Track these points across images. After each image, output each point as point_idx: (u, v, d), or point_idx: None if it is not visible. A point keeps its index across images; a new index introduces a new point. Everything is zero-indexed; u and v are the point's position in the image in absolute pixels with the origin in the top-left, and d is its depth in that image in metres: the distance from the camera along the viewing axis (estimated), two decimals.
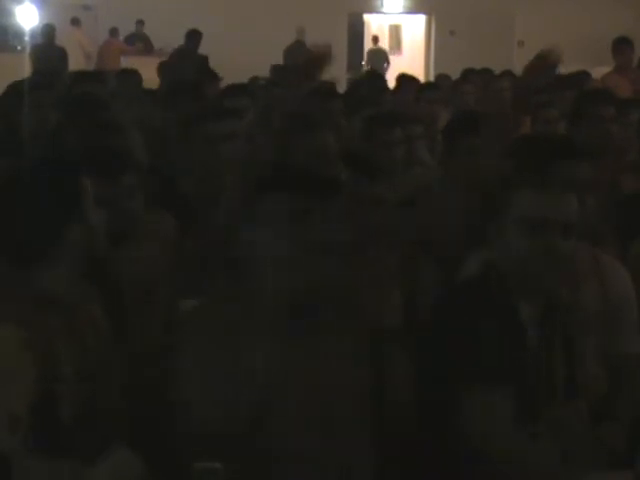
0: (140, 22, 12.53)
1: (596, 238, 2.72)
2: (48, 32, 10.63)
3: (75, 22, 12.59)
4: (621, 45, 8.15)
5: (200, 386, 2.05)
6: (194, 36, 9.41)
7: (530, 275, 2.12)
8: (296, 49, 11.37)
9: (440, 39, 14.54)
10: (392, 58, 12.53)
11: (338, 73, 9.47)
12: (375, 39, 14.62)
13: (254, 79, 6.78)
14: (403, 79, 6.57)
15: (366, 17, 15.09)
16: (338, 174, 2.82)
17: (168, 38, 10.74)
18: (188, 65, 8.36)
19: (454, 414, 2.17)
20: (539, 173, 2.21)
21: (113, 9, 12.42)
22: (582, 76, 6.79)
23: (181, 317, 2.44)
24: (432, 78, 10.49)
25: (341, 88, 6.72)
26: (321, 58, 5.57)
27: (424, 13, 14.81)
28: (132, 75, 5.96)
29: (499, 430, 2.14)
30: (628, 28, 9.26)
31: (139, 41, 12.52)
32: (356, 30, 14.89)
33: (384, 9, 14.72)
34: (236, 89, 5.14)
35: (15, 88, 4.44)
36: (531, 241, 2.10)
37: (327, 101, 4.89)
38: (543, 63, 6.16)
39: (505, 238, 2.16)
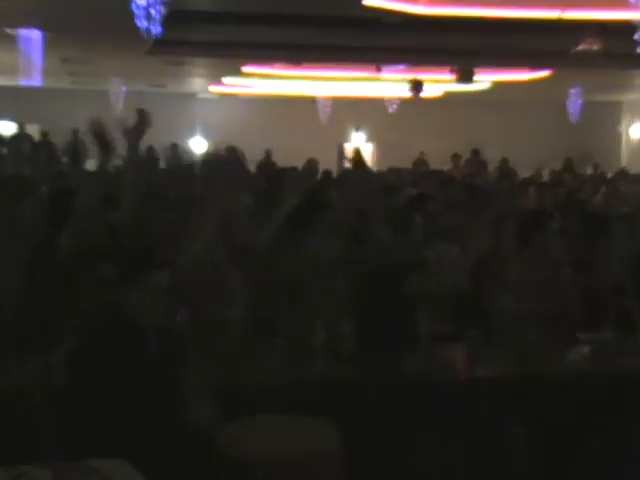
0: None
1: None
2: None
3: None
4: (454, 158, 14.16)
5: None
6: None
7: None
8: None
9: (380, 157, 19.42)
10: None
11: None
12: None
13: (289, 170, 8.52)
14: None
15: (345, 145, 20.69)
16: None
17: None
18: None
19: None
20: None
21: None
22: (439, 172, 11.24)
23: None
24: None
25: None
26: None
27: (371, 142, 21.58)
28: None
29: None
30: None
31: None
32: (340, 153, 19.92)
33: (353, 141, 21.17)
34: None
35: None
36: None
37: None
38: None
39: None
